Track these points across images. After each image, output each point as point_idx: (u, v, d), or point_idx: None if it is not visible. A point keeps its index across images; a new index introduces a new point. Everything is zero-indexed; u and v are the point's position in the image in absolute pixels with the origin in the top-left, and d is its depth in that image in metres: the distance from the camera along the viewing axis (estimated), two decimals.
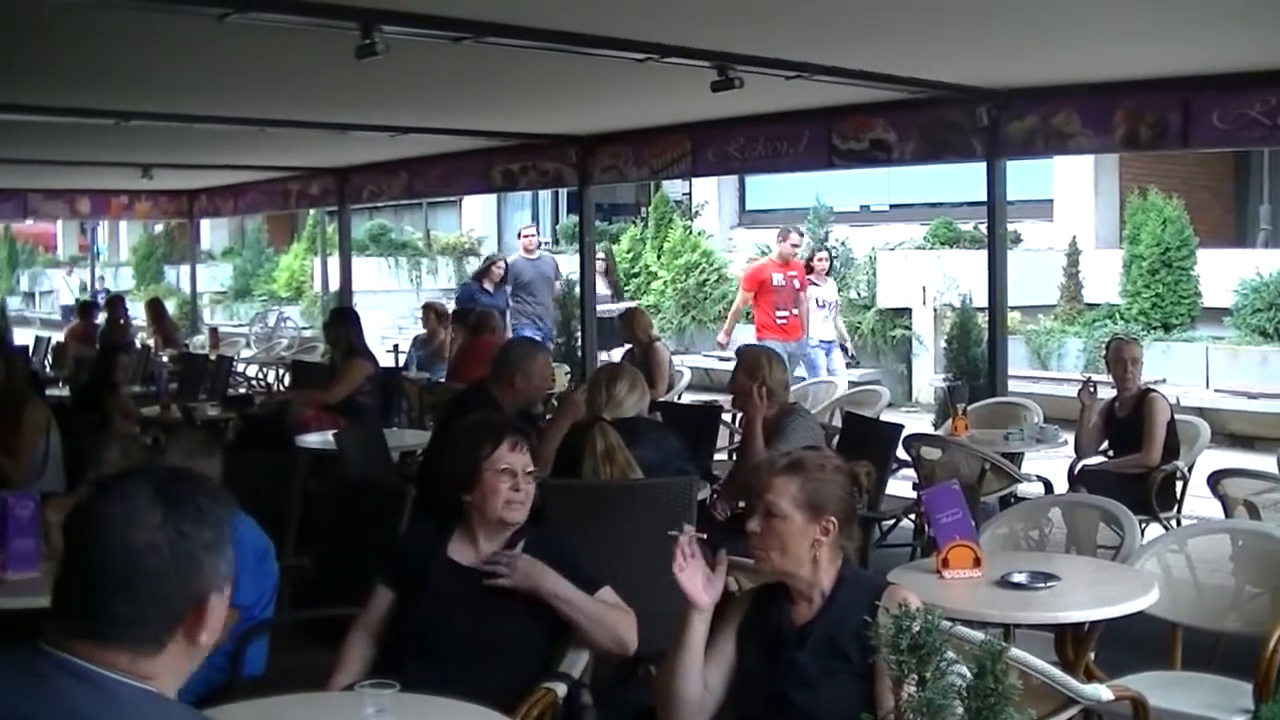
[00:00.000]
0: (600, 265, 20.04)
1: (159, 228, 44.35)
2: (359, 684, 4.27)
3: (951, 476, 8.71)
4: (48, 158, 17.12)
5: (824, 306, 17.23)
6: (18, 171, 18.97)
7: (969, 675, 3.11)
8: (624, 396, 7.59)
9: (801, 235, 17.83)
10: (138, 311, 25.51)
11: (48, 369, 18.96)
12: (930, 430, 13.11)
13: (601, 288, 19.57)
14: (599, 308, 18.26)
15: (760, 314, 16.90)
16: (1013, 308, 15.29)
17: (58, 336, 23.50)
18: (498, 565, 5.01)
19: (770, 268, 17.13)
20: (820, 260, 17.75)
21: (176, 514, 2.58)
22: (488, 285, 18.89)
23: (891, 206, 27.45)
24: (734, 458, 10.17)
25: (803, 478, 4.48)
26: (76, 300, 30.23)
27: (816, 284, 17.21)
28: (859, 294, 24.19)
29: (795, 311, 16.68)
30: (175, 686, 2.64)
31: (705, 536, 4.67)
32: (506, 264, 19.22)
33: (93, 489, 2.67)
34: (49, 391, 14.26)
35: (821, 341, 17.06)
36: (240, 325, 34.31)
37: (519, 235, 20.46)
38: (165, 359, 18.37)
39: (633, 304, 20.38)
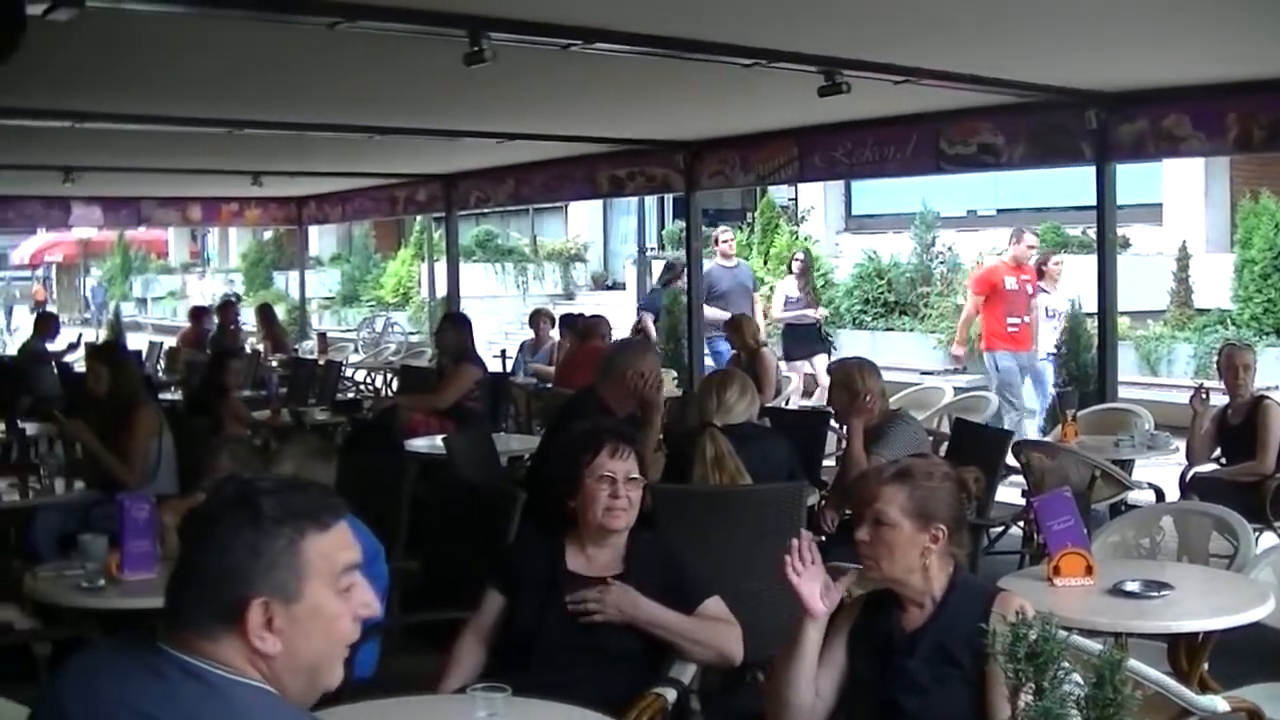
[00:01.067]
0: (797, 266, 18.65)
1: (268, 234, 44.81)
2: (471, 687, 4.29)
3: (1061, 483, 8.64)
4: (161, 166, 17.33)
5: (1054, 316, 16.05)
6: (133, 179, 19.23)
7: (1082, 684, 3.09)
8: (734, 403, 7.58)
9: (1036, 236, 16.77)
10: (247, 317, 25.73)
11: (160, 374, 19.17)
12: (1039, 436, 13.02)
13: (792, 289, 18.28)
14: (789, 314, 17.77)
15: (989, 321, 15.73)
16: (1122, 313, 15.07)
17: (170, 341, 23.77)
18: (586, 602, 5.01)
19: (1003, 270, 15.82)
20: (1056, 264, 16.50)
21: (242, 516, 2.68)
22: None
23: (998, 211, 27.24)
24: (839, 464, 10.13)
25: (911, 486, 4.46)
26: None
27: (1047, 291, 16.08)
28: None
29: (1026, 319, 15.59)
30: (283, 688, 2.71)
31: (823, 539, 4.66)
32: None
33: (209, 494, 2.83)
34: (161, 396, 14.43)
35: (1050, 354, 15.90)
36: (348, 330, 34.55)
37: (715, 241, 18.57)
38: (274, 364, 18.58)
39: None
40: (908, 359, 21.55)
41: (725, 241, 18.29)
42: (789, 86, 10.05)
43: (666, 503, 6.57)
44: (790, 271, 19.23)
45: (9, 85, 7.97)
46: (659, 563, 5.16)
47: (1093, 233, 14.25)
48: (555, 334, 17.51)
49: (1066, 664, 3.16)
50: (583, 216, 37.65)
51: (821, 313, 19.65)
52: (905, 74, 9.91)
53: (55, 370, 17.46)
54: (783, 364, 16.55)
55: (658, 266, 28.55)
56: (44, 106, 11.43)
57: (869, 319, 26.15)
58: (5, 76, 6.51)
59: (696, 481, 6.96)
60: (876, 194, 29.13)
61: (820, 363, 16.45)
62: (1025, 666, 3.11)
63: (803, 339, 17.66)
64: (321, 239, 43.98)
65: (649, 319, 17.30)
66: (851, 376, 8.25)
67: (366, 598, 2.82)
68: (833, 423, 10.74)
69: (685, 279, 17.08)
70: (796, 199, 30.44)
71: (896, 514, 4.43)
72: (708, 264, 17.71)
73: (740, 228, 30.22)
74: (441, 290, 26.35)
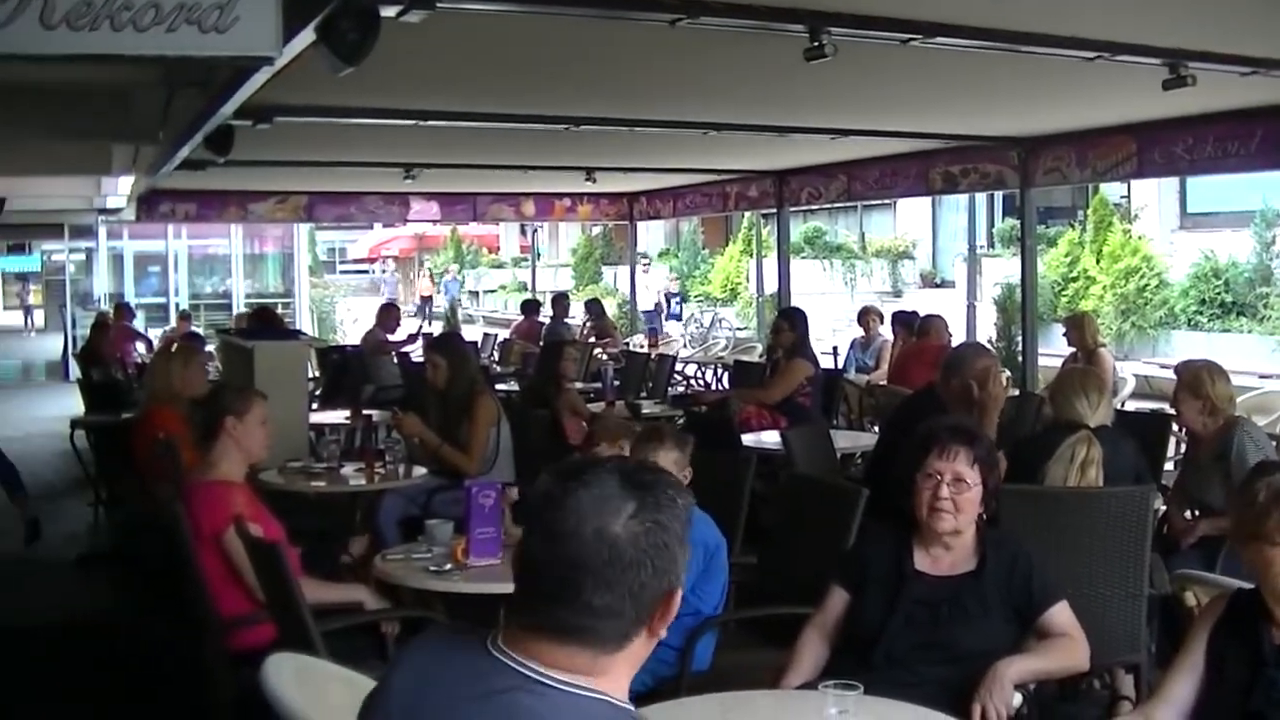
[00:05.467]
0: None
1: (596, 229, 45.47)
2: (822, 684, 4.27)
3: None
4: (498, 163, 17.70)
5: None
6: (469, 175, 19.66)
7: None
8: (1100, 405, 7.46)
9: None
10: (576, 310, 26.13)
11: (495, 366, 19.57)
12: None
13: None
14: None
15: None
16: None
17: (503, 334, 24.27)
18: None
19: None
20: None
21: (651, 503, 2.55)
22: None
23: None
24: (1179, 468, 9.86)
25: None
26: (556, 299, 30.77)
27: None
28: None
29: None
30: (627, 684, 2.63)
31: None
32: None
33: (555, 477, 2.63)
34: (497, 387, 14.71)
35: None
36: (676, 325, 34.88)
37: None
38: (605, 357, 18.83)
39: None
40: (1246, 361, 20.95)
41: None
42: (1130, 80, 9.84)
43: (1010, 504, 6.48)
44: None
45: (359, 86, 8.20)
46: (1009, 561, 5.10)
47: None
48: (883, 331, 17.45)
49: None
50: (911, 213, 37.45)
51: None
52: (1253, 65, 9.58)
53: (395, 360, 18.00)
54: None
55: (989, 264, 28.23)
56: (390, 106, 11.77)
57: (1205, 320, 25.55)
58: (355, 78, 6.70)
59: (1053, 482, 6.85)
60: (1213, 191, 28.28)
61: None
62: None
63: None
64: (648, 234, 44.45)
65: None
66: (1200, 378, 8.03)
67: None
68: (1174, 425, 10.52)
69: None
70: (1129, 196, 29.80)
71: None
72: None
73: (1071, 226, 29.77)
74: (770, 286, 26.40)
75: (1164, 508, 8.21)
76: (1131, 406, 15.01)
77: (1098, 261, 27.93)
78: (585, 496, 2.55)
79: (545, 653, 2.53)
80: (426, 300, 50.24)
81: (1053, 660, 5.06)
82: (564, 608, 2.52)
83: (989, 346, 13.43)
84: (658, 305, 32.40)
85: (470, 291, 55.04)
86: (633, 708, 2.60)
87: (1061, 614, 5.10)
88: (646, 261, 37.40)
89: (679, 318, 33.98)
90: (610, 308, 29.66)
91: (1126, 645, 6.32)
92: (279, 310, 25.46)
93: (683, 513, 2.60)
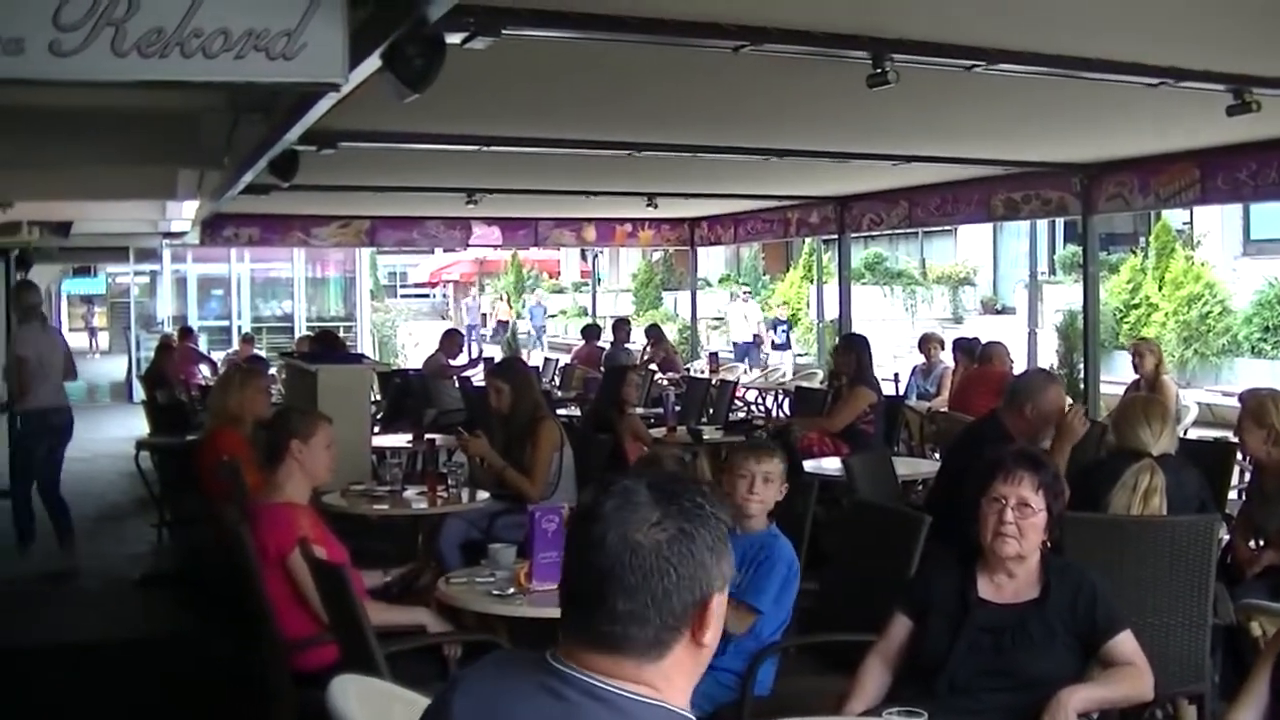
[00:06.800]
0: None
1: (657, 255, 45.48)
2: (886, 711, 4.27)
3: None
4: (560, 188, 17.76)
5: None
6: (531, 201, 19.70)
7: None
8: (1164, 433, 7.41)
9: None
10: (637, 336, 26.15)
11: (556, 390, 19.59)
12: None
13: None
14: None
15: None
16: None
17: (563, 358, 24.30)
18: None
19: None
20: None
21: (676, 511, 2.57)
22: None
23: None
24: (1244, 497, 9.81)
25: None
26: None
27: None
28: None
29: None
30: (686, 696, 2.62)
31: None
32: None
33: (592, 491, 2.68)
34: (558, 412, 14.74)
35: None
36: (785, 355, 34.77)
37: None
38: (666, 382, 18.84)
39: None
40: None
41: None
42: (1194, 106, 9.78)
43: (1072, 532, 6.45)
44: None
45: (423, 112, 8.25)
46: (1073, 589, 5.07)
47: None
48: (944, 358, 17.41)
49: None
50: (972, 239, 37.35)
51: None
52: None
53: (456, 385, 18.05)
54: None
55: (1051, 291, 28.11)
56: (453, 132, 11.84)
57: (1269, 347, 25.37)
58: (420, 104, 6.73)
59: (1116, 510, 6.81)
60: (1277, 217, 28.08)
61: None
62: None
63: None
64: (709, 259, 44.46)
65: None
66: (1265, 408, 7.97)
67: None
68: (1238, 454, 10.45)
69: None
70: (1191, 222, 29.65)
71: None
72: None
73: (1133, 252, 29.63)
74: (830, 312, 26.35)
75: (1228, 537, 8.15)
76: (1194, 435, 14.91)
77: (1160, 288, 27.80)
78: (611, 506, 2.58)
79: (594, 663, 2.56)
80: (503, 324, 50.24)
81: (1116, 689, 5.03)
82: (596, 615, 2.54)
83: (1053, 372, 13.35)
84: (756, 337, 31.77)
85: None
86: (693, 718, 2.60)
87: (1126, 643, 5.07)
88: (746, 291, 36.88)
89: (788, 347, 32.62)
90: (671, 333, 29.60)
91: (1190, 675, 6.28)
92: (340, 334, 25.60)
93: (713, 521, 2.60)
